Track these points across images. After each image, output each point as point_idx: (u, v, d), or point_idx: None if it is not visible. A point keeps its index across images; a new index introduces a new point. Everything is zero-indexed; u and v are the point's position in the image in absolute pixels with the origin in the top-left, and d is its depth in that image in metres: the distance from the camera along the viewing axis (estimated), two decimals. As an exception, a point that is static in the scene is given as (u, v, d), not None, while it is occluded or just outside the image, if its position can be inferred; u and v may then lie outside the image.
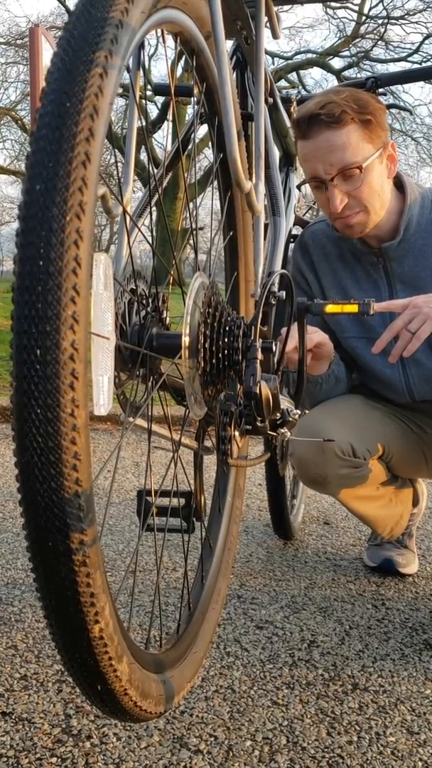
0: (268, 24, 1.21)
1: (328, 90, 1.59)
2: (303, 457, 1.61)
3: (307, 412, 1.68)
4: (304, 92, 2.04)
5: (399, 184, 1.63)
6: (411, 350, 1.38)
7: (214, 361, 0.94)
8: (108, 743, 1.10)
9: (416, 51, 15.75)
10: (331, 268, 1.70)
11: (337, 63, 16.59)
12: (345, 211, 1.54)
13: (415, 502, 1.90)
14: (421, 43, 15.71)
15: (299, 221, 1.86)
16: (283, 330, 1.19)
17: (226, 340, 0.95)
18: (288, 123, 1.75)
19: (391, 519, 1.77)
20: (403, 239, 1.59)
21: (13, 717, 1.16)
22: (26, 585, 1.70)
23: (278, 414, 1.12)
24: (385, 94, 1.93)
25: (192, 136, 1.27)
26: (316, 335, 1.56)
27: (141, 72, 0.91)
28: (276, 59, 16.14)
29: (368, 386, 1.76)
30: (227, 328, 0.96)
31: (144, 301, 0.94)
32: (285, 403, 1.20)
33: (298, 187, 1.58)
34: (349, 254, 1.68)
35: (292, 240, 1.78)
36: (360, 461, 1.61)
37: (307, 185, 1.60)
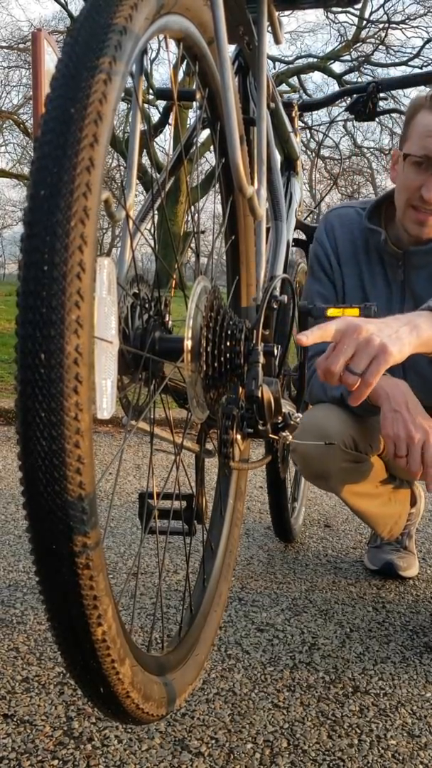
0: (270, 29, 1.22)
1: None
2: (306, 452, 1.61)
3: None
4: (305, 96, 2.05)
5: None
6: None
7: (216, 364, 0.94)
8: (109, 746, 1.11)
9: (417, 55, 15.76)
10: (354, 259, 1.68)
11: (338, 67, 16.60)
12: (429, 205, 1.51)
13: (413, 502, 1.91)
14: (422, 47, 15.73)
15: (300, 225, 1.86)
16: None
17: (228, 343, 0.96)
18: (289, 127, 1.75)
19: (390, 518, 1.77)
20: (430, 250, 1.58)
21: (15, 719, 1.17)
22: (28, 587, 1.70)
23: (280, 417, 1.13)
24: (386, 99, 1.93)
25: (194, 140, 1.28)
26: None
27: (143, 77, 0.92)
28: (277, 63, 16.15)
29: None
30: (229, 332, 0.96)
31: (147, 305, 0.94)
32: (287, 406, 1.20)
33: (405, 157, 1.52)
34: (374, 250, 1.65)
35: (293, 244, 1.78)
36: (362, 456, 1.61)
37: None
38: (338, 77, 15.82)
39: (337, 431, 1.57)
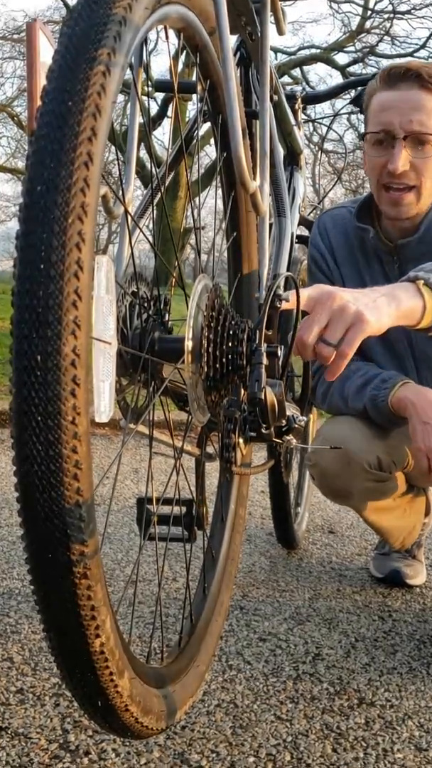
0: (272, 19, 1.19)
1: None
2: (328, 469, 1.56)
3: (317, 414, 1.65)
4: (308, 88, 2.02)
5: None
6: None
7: (217, 365, 0.92)
8: (107, 759, 1.08)
9: (423, 47, 15.38)
10: (351, 259, 1.65)
11: (341, 58, 16.21)
12: (401, 179, 1.48)
13: (427, 512, 1.87)
14: (428, 38, 15.30)
15: (304, 221, 1.83)
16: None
17: (229, 344, 0.93)
18: (293, 120, 1.72)
19: (404, 529, 1.74)
20: (422, 240, 1.55)
21: (9, 732, 1.13)
22: (22, 595, 1.67)
23: (284, 421, 1.10)
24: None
25: (195, 134, 1.25)
26: None
27: (142, 69, 0.89)
28: (279, 54, 15.93)
29: None
30: (231, 332, 0.93)
31: (145, 304, 0.92)
32: (290, 409, 1.17)
33: (361, 137, 1.52)
34: (369, 248, 1.63)
35: (296, 241, 1.75)
36: (386, 475, 1.56)
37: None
38: (342, 69, 15.51)
39: (361, 449, 1.51)
